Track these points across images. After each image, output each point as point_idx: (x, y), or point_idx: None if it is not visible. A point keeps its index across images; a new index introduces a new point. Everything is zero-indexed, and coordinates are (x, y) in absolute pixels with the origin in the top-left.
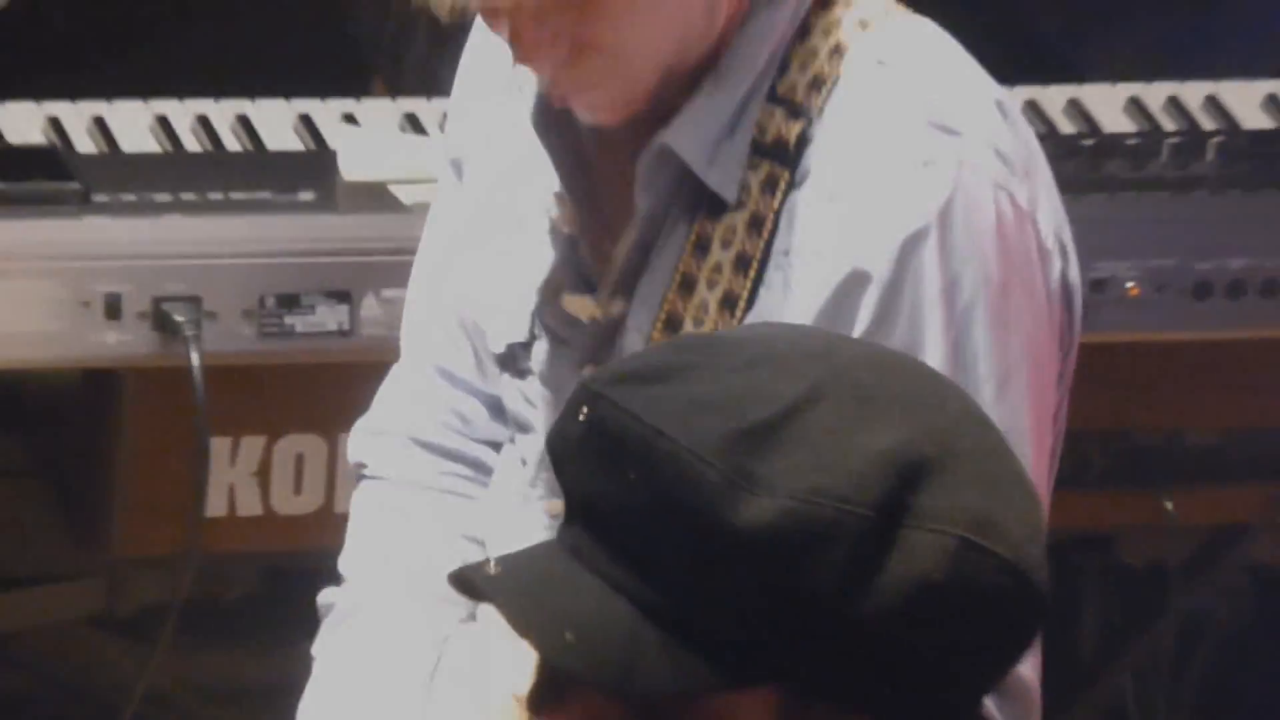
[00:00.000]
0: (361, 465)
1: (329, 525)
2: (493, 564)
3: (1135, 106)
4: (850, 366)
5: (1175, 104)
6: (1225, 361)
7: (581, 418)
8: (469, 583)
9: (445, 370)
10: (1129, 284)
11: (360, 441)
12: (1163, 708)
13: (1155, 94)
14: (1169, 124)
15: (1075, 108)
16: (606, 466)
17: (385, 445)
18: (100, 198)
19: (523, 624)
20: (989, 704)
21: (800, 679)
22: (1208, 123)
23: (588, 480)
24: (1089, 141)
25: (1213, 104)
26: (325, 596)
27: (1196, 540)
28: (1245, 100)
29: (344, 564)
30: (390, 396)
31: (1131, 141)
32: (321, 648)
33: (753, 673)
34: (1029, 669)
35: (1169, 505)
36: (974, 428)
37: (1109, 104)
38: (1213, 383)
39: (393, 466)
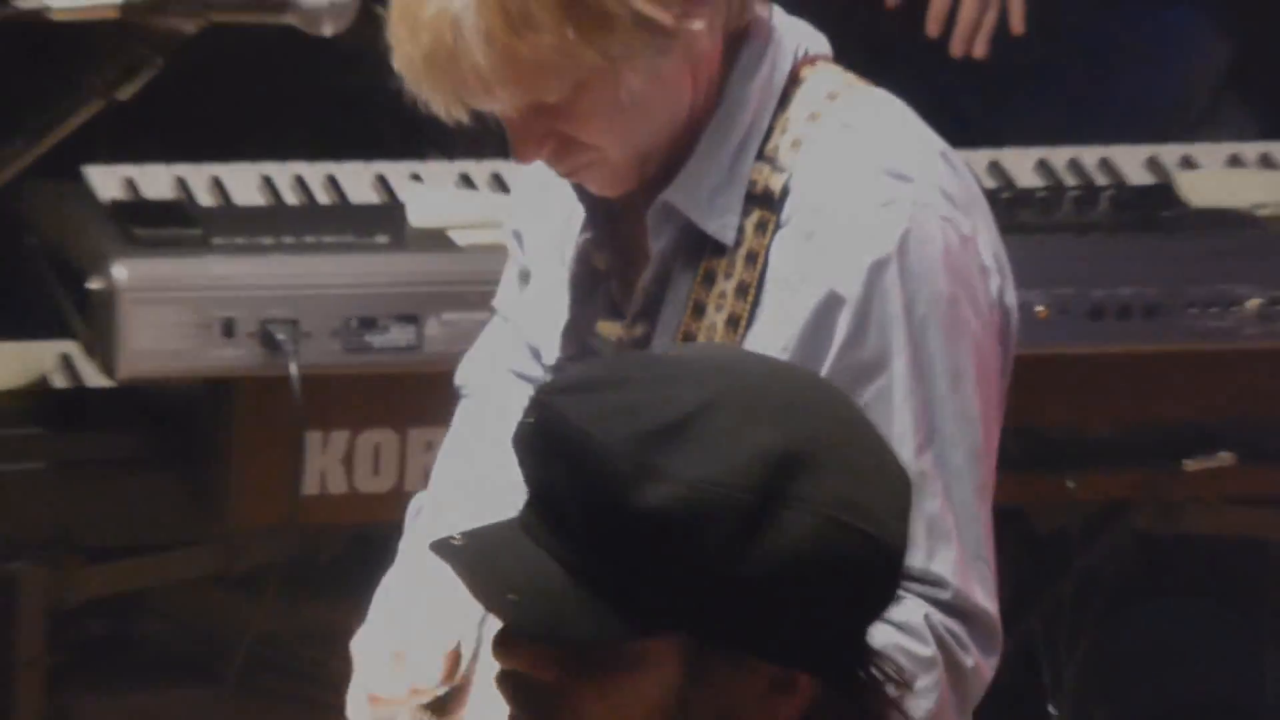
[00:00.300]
0: (461, 387)
1: (400, 501)
2: (459, 536)
3: (1043, 166)
4: (746, 378)
5: (1075, 164)
6: (1115, 369)
7: (530, 420)
8: (440, 550)
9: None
10: (1038, 308)
11: (463, 368)
12: (1064, 647)
13: (1059, 156)
14: (1070, 180)
15: (995, 168)
16: (546, 459)
17: (482, 367)
18: (218, 241)
19: (473, 586)
20: (960, 630)
21: (699, 628)
22: (1101, 179)
23: (534, 470)
24: (1006, 195)
25: (1105, 164)
26: (416, 501)
27: (1091, 512)
28: (1130, 161)
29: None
30: (483, 347)
31: (1040, 194)
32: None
33: (659, 623)
34: (990, 603)
35: (1070, 484)
36: (845, 424)
37: (1021, 164)
38: (1105, 387)
39: (486, 382)
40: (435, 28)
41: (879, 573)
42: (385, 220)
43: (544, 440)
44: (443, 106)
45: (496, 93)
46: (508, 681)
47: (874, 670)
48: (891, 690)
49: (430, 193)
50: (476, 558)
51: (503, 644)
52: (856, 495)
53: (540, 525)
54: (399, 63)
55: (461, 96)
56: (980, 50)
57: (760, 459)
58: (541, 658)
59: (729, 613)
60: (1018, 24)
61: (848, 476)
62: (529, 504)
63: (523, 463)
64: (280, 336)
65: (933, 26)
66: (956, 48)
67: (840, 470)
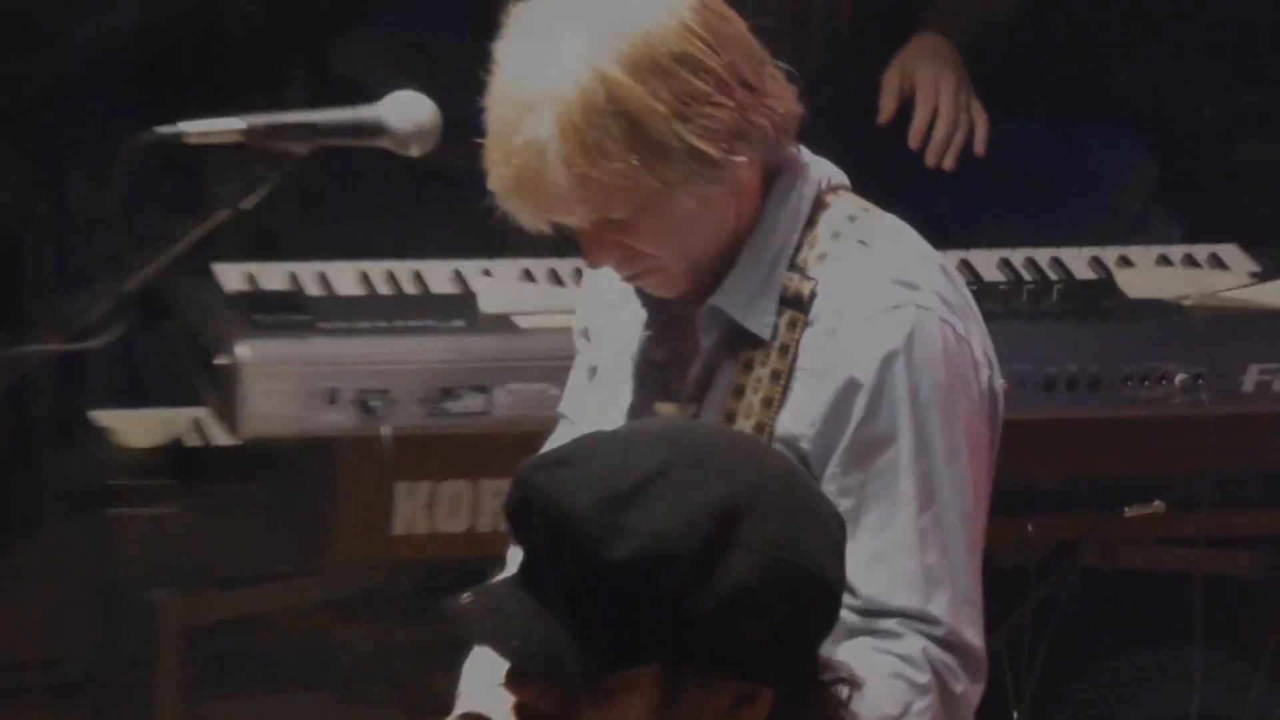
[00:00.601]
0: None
1: (473, 540)
2: (468, 594)
3: (1005, 263)
4: (695, 445)
5: (1030, 262)
6: (1065, 432)
7: (514, 495)
8: (450, 608)
9: None
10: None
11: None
12: (1024, 663)
13: (1017, 255)
14: (1026, 275)
15: (965, 264)
16: (530, 527)
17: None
18: (323, 325)
19: (480, 635)
20: (952, 662)
21: (670, 656)
22: (1052, 274)
23: (521, 536)
24: (974, 287)
25: (1055, 262)
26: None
27: (1045, 551)
28: (1077, 260)
29: None
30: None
31: (1001, 287)
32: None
33: (637, 655)
34: (977, 639)
35: (1028, 527)
36: (782, 478)
37: (987, 262)
38: (1057, 446)
39: None
40: (524, 154)
41: (818, 600)
42: (460, 307)
43: (526, 511)
44: (528, 219)
45: (573, 209)
46: (519, 711)
47: (826, 677)
48: (844, 692)
49: (498, 284)
50: (483, 611)
51: (511, 680)
52: (794, 536)
53: (533, 580)
54: (493, 183)
55: (544, 212)
56: (949, 164)
57: (708, 511)
58: (543, 690)
59: (694, 642)
60: (980, 146)
61: (785, 521)
62: (522, 564)
63: (513, 531)
64: (374, 403)
65: (914, 141)
66: (930, 160)
67: (778, 516)
